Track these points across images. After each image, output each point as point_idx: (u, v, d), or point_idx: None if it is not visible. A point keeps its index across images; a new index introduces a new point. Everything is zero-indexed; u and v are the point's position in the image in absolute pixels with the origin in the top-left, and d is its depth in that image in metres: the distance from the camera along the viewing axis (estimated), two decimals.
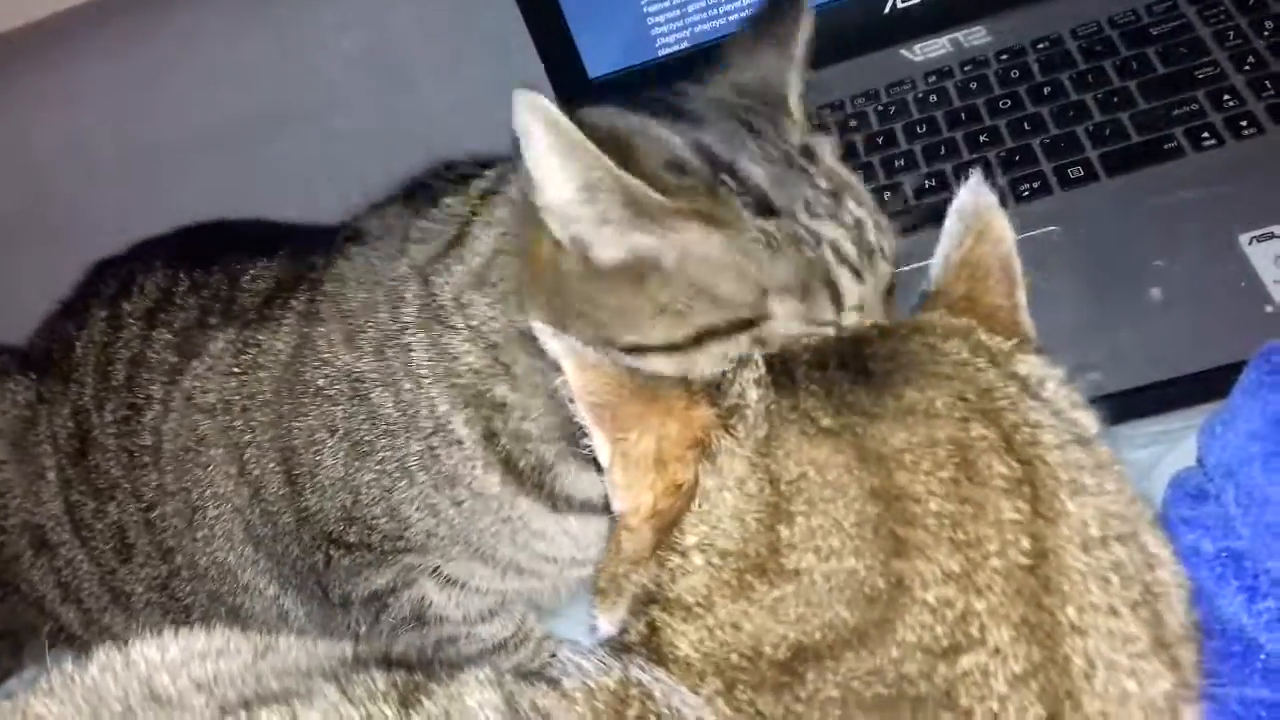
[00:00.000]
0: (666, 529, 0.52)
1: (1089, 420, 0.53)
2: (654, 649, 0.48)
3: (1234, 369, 0.69)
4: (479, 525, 0.75)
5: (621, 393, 0.54)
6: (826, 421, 0.51)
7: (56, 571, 0.90)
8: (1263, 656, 0.55)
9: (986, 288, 0.58)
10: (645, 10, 1.11)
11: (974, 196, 0.58)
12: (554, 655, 0.84)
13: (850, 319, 0.65)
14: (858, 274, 0.65)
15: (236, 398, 0.80)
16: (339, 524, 0.77)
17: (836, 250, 0.65)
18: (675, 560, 0.50)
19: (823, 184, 0.67)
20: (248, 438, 0.80)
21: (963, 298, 0.58)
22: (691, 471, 0.52)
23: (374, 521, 0.76)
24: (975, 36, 1.08)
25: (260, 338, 0.80)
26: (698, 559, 0.49)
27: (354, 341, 0.76)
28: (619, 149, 0.62)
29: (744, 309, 0.63)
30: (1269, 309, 0.79)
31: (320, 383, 0.76)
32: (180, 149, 1.21)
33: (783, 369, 0.55)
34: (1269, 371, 0.57)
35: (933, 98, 1.05)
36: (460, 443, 0.73)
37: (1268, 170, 0.87)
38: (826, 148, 0.71)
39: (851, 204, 0.67)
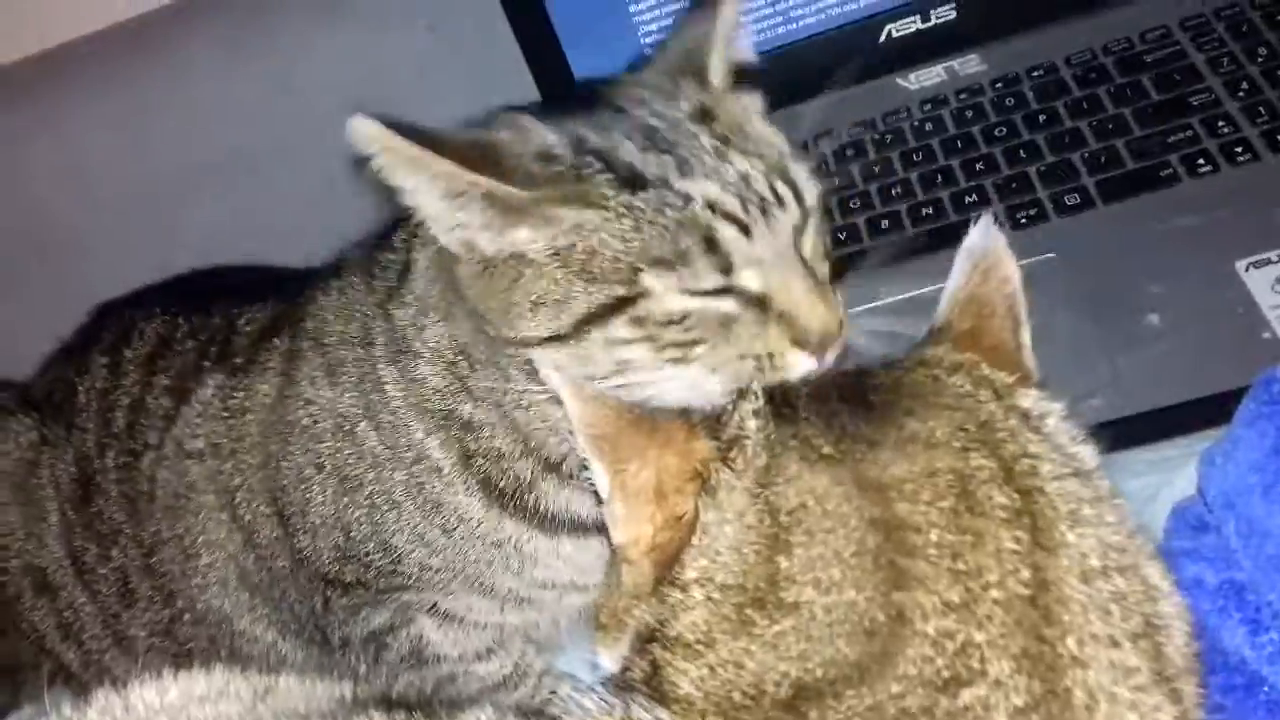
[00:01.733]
0: (667, 563, 0.52)
1: (1088, 454, 0.53)
2: (656, 687, 0.48)
3: (1232, 396, 0.69)
4: (471, 553, 0.75)
5: (620, 424, 0.54)
6: (827, 449, 0.51)
7: (58, 613, 0.90)
8: (1266, 689, 0.55)
9: (992, 325, 0.58)
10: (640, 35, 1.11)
11: (983, 237, 0.59)
12: (554, 692, 0.84)
13: (748, 277, 0.62)
14: (742, 227, 0.62)
15: (224, 441, 0.81)
16: (334, 564, 0.77)
17: (711, 206, 0.62)
18: (676, 596, 0.50)
19: (706, 143, 0.64)
20: (237, 481, 0.80)
21: (968, 333, 0.58)
22: (691, 504, 0.53)
23: (368, 558, 0.76)
24: (970, 65, 1.09)
25: (246, 381, 0.81)
26: (698, 593, 0.49)
27: (335, 377, 0.76)
28: (481, 151, 0.63)
29: (618, 288, 0.62)
30: (1266, 335, 0.79)
31: (305, 421, 0.77)
32: (175, 182, 1.21)
33: (783, 400, 0.56)
34: (1268, 401, 0.57)
35: (928, 126, 1.05)
36: (440, 470, 0.73)
37: (1263, 197, 0.88)
38: (736, 106, 0.69)
39: (737, 157, 0.64)
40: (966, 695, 0.44)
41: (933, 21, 1.09)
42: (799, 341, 0.62)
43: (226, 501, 0.81)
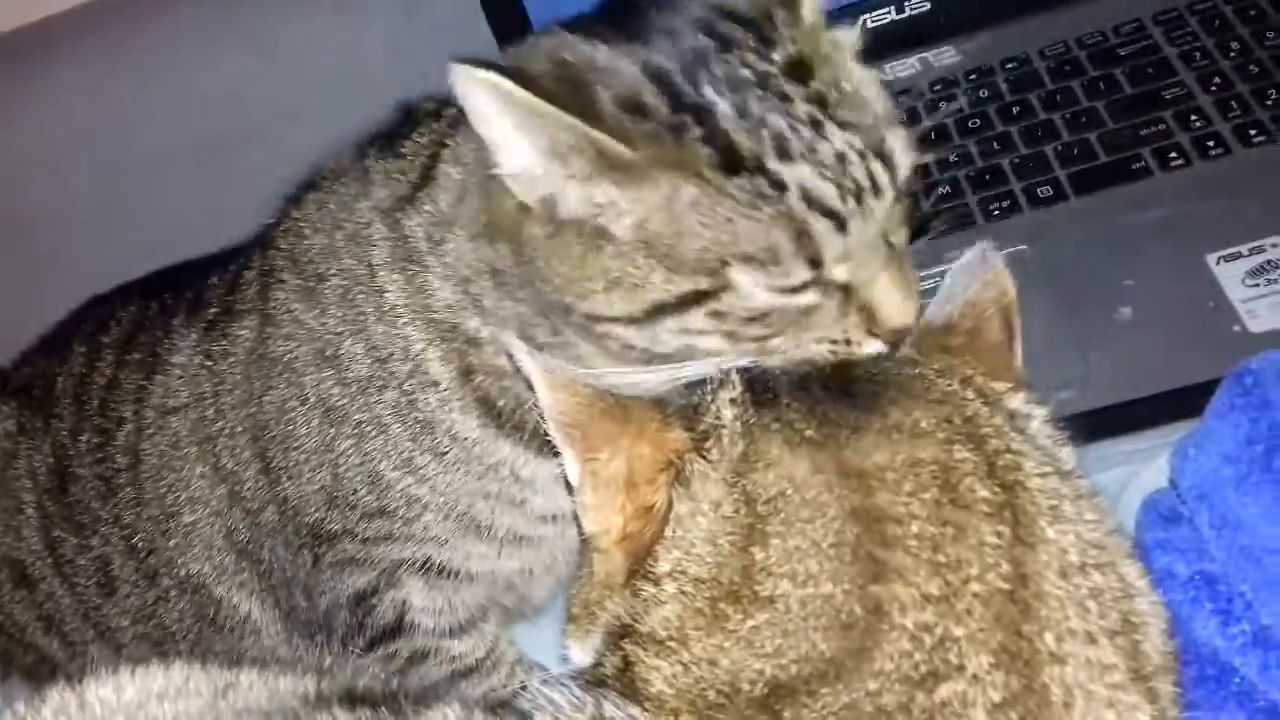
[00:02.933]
0: (639, 554, 0.51)
1: (1068, 456, 0.54)
2: (628, 684, 0.47)
3: (1204, 388, 0.70)
4: (464, 482, 0.72)
5: (592, 412, 0.53)
6: (809, 432, 0.50)
7: (38, 605, 0.89)
8: (1237, 680, 0.55)
9: (989, 329, 0.58)
10: None
11: (981, 256, 0.60)
12: (524, 685, 0.83)
13: (839, 272, 0.58)
14: (839, 222, 0.56)
15: (207, 388, 0.79)
16: (319, 510, 0.75)
17: (807, 197, 0.56)
18: (648, 590, 0.49)
19: (802, 110, 0.57)
20: (219, 425, 0.78)
21: (966, 333, 0.58)
22: (663, 495, 0.52)
23: (354, 497, 0.74)
24: (945, 56, 1.09)
25: (223, 328, 0.79)
26: (670, 587, 0.48)
27: (314, 296, 0.73)
28: (577, 96, 0.57)
29: (702, 279, 0.57)
30: (1236, 328, 0.80)
31: (283, 353, 0.74)
32: (154, 162, 1.19)
33: (764, 386, 0.55)
34: (1240, 394, 0.57)
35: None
36: (437, 384, 0.70)
37: (1235, 190, 0.88)
38: (831, 48, 0.61)
39: (834, 131, 0.57)
40: (944, 690, 0.44)
41: (907, 13, 1.09)
42: (875, 332, 0.58)
43: (209, 450, 0.78)
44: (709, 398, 0.55)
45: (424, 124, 0.74)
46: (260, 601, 0.83)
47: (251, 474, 0.77)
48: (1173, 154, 0.92)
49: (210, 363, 0.79)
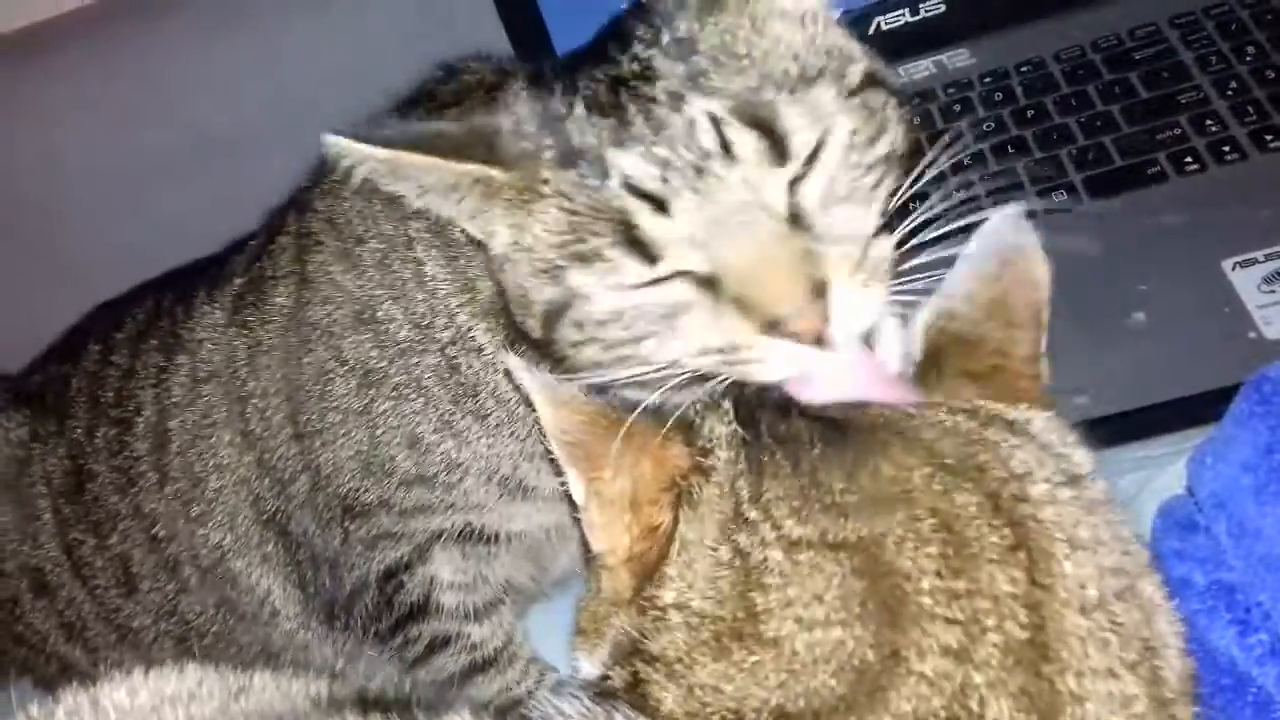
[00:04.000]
0: (645, 573, 0.50)
1: (1081, 455, 0.51)
2: (638, 699, 0.46)
3: (1219, 394, 0.69)
4: (508, 445, 0.72)
5: (594, 430, 0.51)
6: (797, 532, 0.47)
7: (59, 613, 0.89)
8: (1254, 690, 0.54)
9: (1018, 338, 0.54)
10: None
11: (1013, 229, 0.55)
12: (539, 682, 0.83)
13: (687, 259, 0.53)
14: (658, 204, 0.53)
15: (241, 353, 0.78)
16: (354, 478, 0.75)
17: (628, 183, 0.53)
18: (655, 614, 0.48)
19: (663, 88, 0.55)
20: (251, 385, 0.78)
21: (994, 350, 0.54)
22: (667, 515, 0.50)
23: (392, 464, 0.73)
24: (959, 59, 1.08)
25: (256, 296, 0.78)
26: (675, 617, 0.47)
27: (352, 258, 0.73)
28: (478, 136, 0.59)
29: (552, 289, 0.57)
30: (1252, 334, 0.79)
31: (323, 318, 0.74)
32: (154, 163, 1.19)
33: (747, 419, 0.52)
34: (1259, 401, 0.56)
35: (916, 119, 1.04)
36: (481, 349, 0.70)
37: (1250, 196, 0.88)
38: (752, 11, 0.57)
39: (696, 99, 0.54)
40: None
41: (921, 15, 1.09)
42: (763, 323, 0.53)
43: (238, 414, 0.78)
44: (700, 419, 0.53)
45: (470, 93, 0.72)
46: (282, 580, 0.82)
47: (283, 439, 0.77)
48: (1188, 159, 0.91)
49: (245, 330, 0.78)
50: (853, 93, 0.57)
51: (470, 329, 0.70)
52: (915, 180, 0.60)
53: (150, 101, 1.19)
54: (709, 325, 0.54)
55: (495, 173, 0.58)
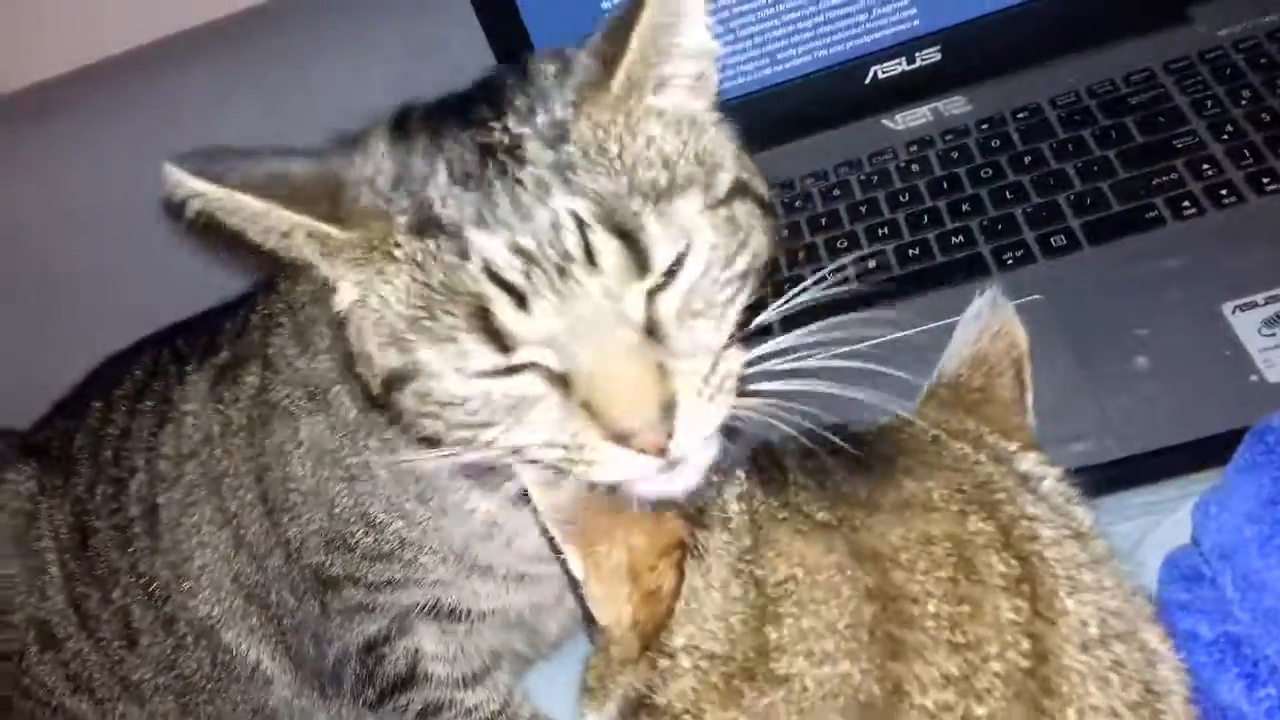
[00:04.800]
0: (652, 635, 0.50)
1: (1084, 515, 0.53)
2: None
3: (1222, 439, 0.69)
4: (453, 528, 0.72)
5: (586, 508, 0.53)
6: (821, 515, 0.50)
7: (65, 665, 0.89)
8: None
9: (1000, 384, 0.58)
10: None
11: (990, 304, 0.59)
12: None
13: (541, 355, 0.52)
14: (518, 298, 0.52)
15: (215, 431, 0.80)
16: (320, 553, 0.76)
17: (488, 267, 0.52)
18: (664, 663, 0.49)
19: (531, 174, 0.53)
20: (224, 465, 0.79)
21: (978, 389, 0.57)
22: (668, 577, 0.51)
23: (353, 539, 0.74)
24: (955, 106, 1.09)
25: (233, 373, 0.80)
26: (685, 661, 0.48)
27: (306, 340, 0.74)
28: (322, 183, 0.57)
29: (395, 357, 0.55)
30: (1254, 378, 0.79)
31: (282, 399, 0.75)
32: (162, 219, 1.20)
33: (772, 463, 0.54)
34: (1263, 451, 0.56)
35: (915, 166, 1.05)
36: None
37: (1249, 239, 0.88)
38: (628, 117, 0.56)
39: (561, 195, 0.53)
40: None
41: (918, 63, 1.09)
42: (610, 434, 0.53)
43: (215, 492, 0.79)
44: (716, 494, 0.54)
45: None
46: (270, 649, 0.83)
47: (256, 517, 0.78)
48: (1185, 203, 0.92)
49: (220, 408, 0.80)
50: (719, 203, 0.57)
51: None
52: (786, 301, 0.61)
53: (154, 158, 1.20)
54: (556, 421, 0.54)
55: (332, 230, 0.56)
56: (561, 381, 0.54)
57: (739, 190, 0.59)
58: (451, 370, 0.54)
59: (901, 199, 1.03)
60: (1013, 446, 0.55)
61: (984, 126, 1.06)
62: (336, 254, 0.57)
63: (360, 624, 0.78)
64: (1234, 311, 0.83)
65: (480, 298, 0.52)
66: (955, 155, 1.04)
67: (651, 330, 0.54)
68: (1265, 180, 0.91)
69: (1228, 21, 1.04)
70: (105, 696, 0.90)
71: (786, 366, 0.59)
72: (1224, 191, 0.91)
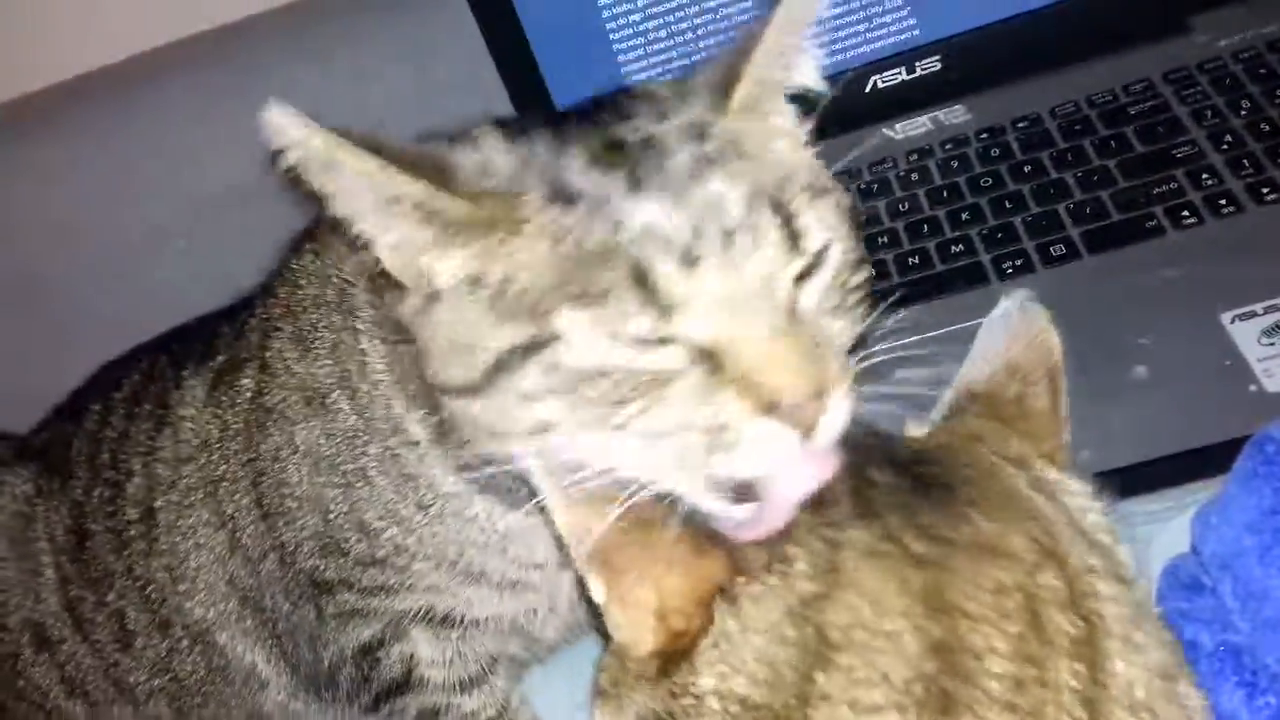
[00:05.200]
0: (672, 666, 0.48)
1: (1125, 556, 0.51)
2: None
3: (1221, 448, 0.69)
4: (449, 533, 0.72)
5: (616, 537, 0.49)
6: (918, 548, 0.46)
7: (60, 667, 0.89)
8: None
9: (1035, 393, 0.56)
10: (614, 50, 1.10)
11: (1020, 308, 0.57)
12: None
13: (695, 324, 0.50)
14: (687, 259, 0.50)
15: (213, 435, 0.80)
16: (314, 557, 0.76)
17: (650, 232, 0.50)
18: (688, 701, 0.46)
19: (681, 159, 0.53)
20: (221, 469, 0.79)
21: (1012, 400, 0.56)
22: (697, 622, 0.48)
23: (346, 545, 0.74)
24: (955, 115, 1.09)
25: (230, 378, 0.80)
26: (714, 704, 0.45)
27: (306, 345, 0.74)
28: (430, 162, 0.54)
29: (528, 326, 0.52)
30: (1253, 388, 0.79)
31: (279, 404, 0.75)
32: (161, 225, 1.20)
33: (856, 489, 0.50)
34: (1263, 461, 0.56)
35: (914, 175, 1.06)
36: (416, 443, 0.70)
37: (1248, 249, 0.88)
38: (751, 127, 0.57)
39: (718, 176, 0.52)
40: None
41: (918, 73, 1.10)
42: (763, 406, 0.50)
43: (212, 495, 0.79)
44: (783, 540, 0.49)
45: None
46: (265, 652, 0.83)
47: (251, 520, 0.78)
48: (1185, 212, 0.92)
49: (218, 411, 0.80)
50: (845, 214, 0.58)
51: (404, 422, 0.70)
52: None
53: (157, 165, 1.21)
54: (699, 400, 0.51)
55: (450, 202, 0.53)
56: (708, 357, 0.51)
57: (850, 212, 0.59)
58: (597, 335, 0.51)
59: (901, 208, 1.04)
60: (1055, 475, 0.53)
61: (984, 136, 1.06)
62: (445, 229, 0.54)
63: (355, 628, 0.78)
64: (1233, 321, 0.83)
65: (639, 260, 0.50)
66: (955, 164, 1.04)
67: (795, 315, 0.54)
68: (1265, 190, 0.91)
69: (1228, 32, 1.04)
70: (100, 699, 0.90)
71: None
72: (1223, 201, 0.91)
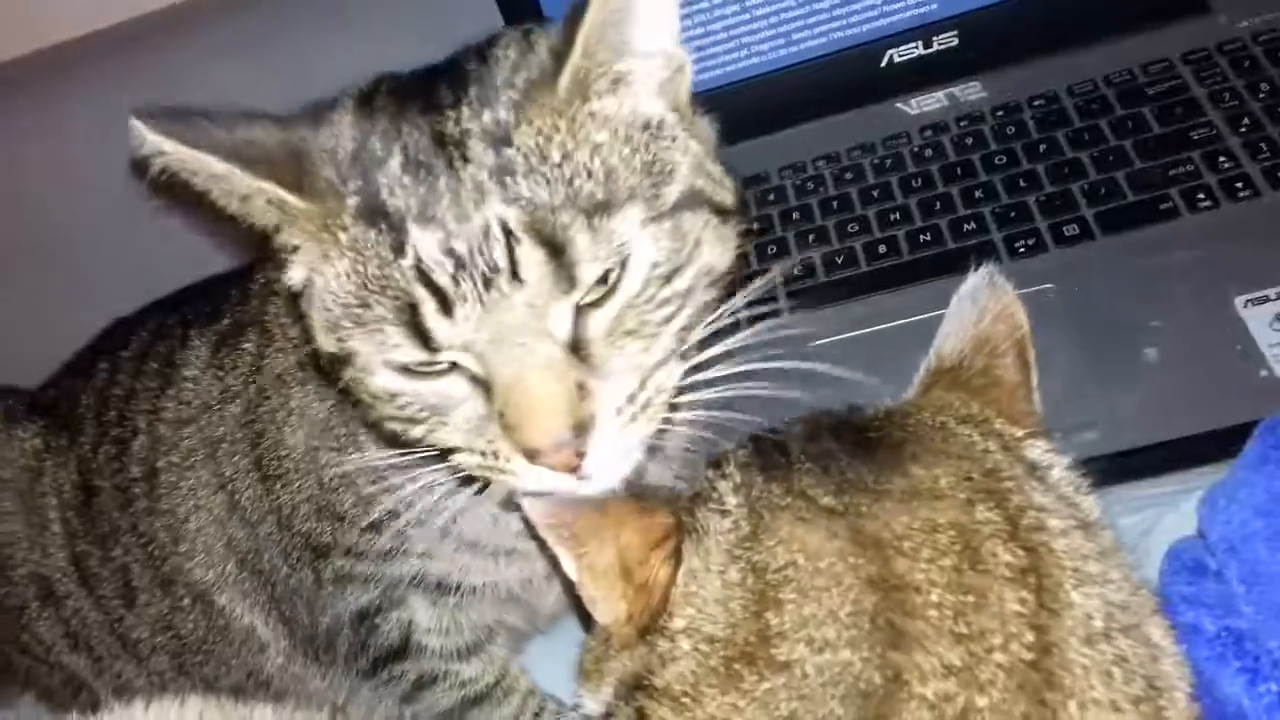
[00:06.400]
0: (649, 625, 0.50)
1: (1090, 505, 0.52)
2: None
3: (1230, 433, 0.69)
4: (439, 502, 0.71)
5: (574, 509, 0.53)
6: (826, 500, 0.49)
7: (64, 621, 0.90)
8: None
9: (1004, 365, 0.57)
10: None
11: (988, 284, 0.58)
12: (539, 714, 0.83)
13: (463, 359, 0.53)
14: (444, 302, 0.52)
15: (214, 397, 0.80)
16: (311, 520, 0.76)
17: (420, 266, 0.52)
18: (663, 645, 0.48)
19: (471, 175, 0.53)
20: (220, 431, 0.79)
21: (980, 371, 0.57)
22: (660, 570, 0.51)
23: (342, 508, 0.74)
24: (971, 92, 1.08)
25: (232, 340, 0.81)
26: (685, 644, 0.48)
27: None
28: (287, 150, 0.57)
29: (331, 342, 0.56)
30: (1264, 373, 0.79)
31: (278, 367, 0.76)
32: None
33: (777, 449, 0.54)
34: (1274, 445, 0.56)
35: (928, 152, 1.05)
36: None
37: (1263, 233, 0.87)
38: (571, 122, 0.55)
39: (495, 202, 0.52)
40: None
41: (935, 48, 1.08)
42: (522, 450, 0.53)
43: (211, 456, 0.80)
44: (710, 485, 0.54)
45: None
46: (264, 615, 0.83)
47: (250, 483, 0.79)
48: (1200, 195, 0.91)
49: (219, 373, 0.81)
50: (664, 215, 0.56)
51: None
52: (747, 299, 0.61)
53: None
54: (476, 427, 0.55)
55: (290, 198, 0.56)
56: (484, 387, 0.54)
57: (691, 201, 0.57)
58: (380, 363, 0.55)
59: (914, 184, 1.03)
60: (1019, 433, 0.55)
61: (999, 113, 1.05)
62: (293, 223, 0.57)
63: (352, 593, 0.78)
64: (1246, 305, 0.83)
65: (408, 295, 0.53)
66: (970, 141, 1.04)
67: (577, 347, 0.54)
68: None
69: (1248, 13, 1.03)
70: (103, 654, 0.90)
71: (733, 371, 0.59)
72: (1240, 184, 0.91)
